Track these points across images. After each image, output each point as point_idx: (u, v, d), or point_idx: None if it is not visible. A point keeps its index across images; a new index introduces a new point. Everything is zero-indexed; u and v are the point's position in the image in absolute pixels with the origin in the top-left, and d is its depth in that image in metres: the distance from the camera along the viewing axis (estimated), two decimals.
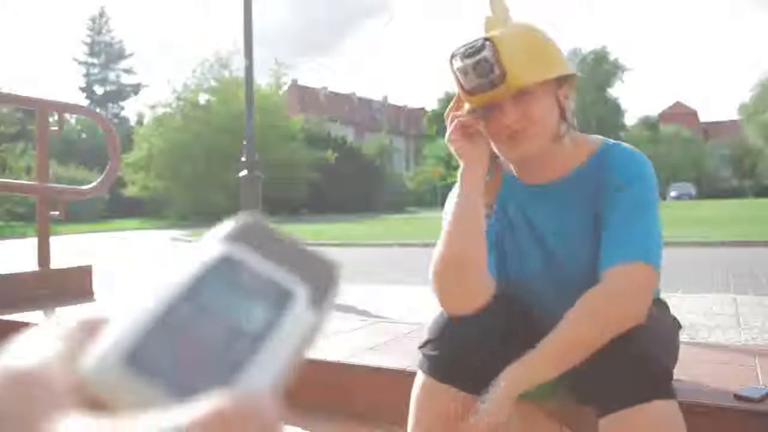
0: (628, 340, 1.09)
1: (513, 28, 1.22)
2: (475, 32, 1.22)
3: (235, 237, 0.23)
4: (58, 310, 3.04)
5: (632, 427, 1.08)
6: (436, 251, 1.24)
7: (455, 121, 1.25)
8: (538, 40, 1.22)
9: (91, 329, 0.21)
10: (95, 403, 0.18)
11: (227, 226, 0.23)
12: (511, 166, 1.34)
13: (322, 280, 0.23)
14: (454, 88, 1.25)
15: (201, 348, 0.19)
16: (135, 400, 0.18)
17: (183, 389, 0.18)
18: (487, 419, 1.11)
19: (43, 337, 0.21)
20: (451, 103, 1.29)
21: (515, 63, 1.15)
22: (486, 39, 1.15)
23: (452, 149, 1.26)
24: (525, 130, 1.20)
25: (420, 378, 1.28)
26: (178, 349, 0.19)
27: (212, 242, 0.23)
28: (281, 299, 0.22)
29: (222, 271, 0.22)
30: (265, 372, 0.20)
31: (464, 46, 1.17)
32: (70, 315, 0.22)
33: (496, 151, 1.27)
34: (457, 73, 1.19)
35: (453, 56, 1.19)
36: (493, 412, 1.11)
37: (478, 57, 1.15)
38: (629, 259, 1.14)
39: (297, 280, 0.22)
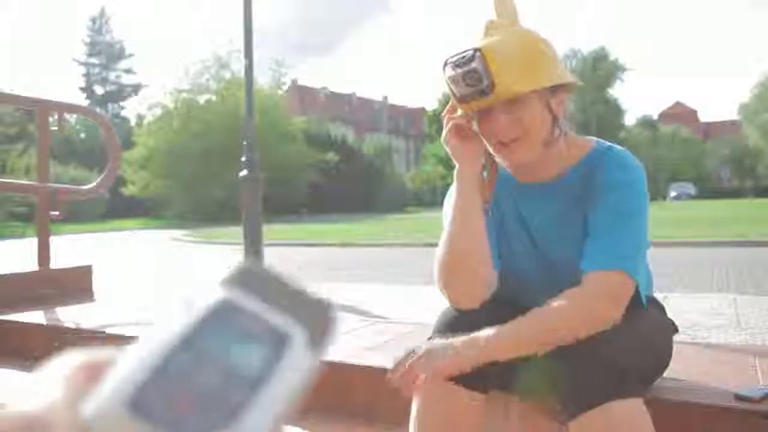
0: (592, 343, 1.12)
1: (508, 35, 1.24)
2: (473, 37, 1.24)
3: (234, 282, 0.23)
4: (58, 310, 3.04)
5: (594, 428, 1.10)
6: (439, 249, 1.27)
7: (450, 122, 1.29)
8: (531, 49, 1.24)
9: (93, 373, 0.21)
10: None
11: (228, 271, 0.24)
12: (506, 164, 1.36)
13: (319, 323, 0.24)
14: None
15: (201, 393, 0.20)
16: None
17: None
18: (435, 365, 1.18)
19: (47, 382, 0.21)
20: (448, 105, 1.32)
21: (504, 73, 1.18)
22: (476, 50, 1.18)
23: (448, 150, 1.30)
24: (515, 141, 1.23)
25: (423, 376, 1.28)
26: (178, 395, 0.20)
27: (213, 287, 0.23)
28: (279, 343, 0.22)
29: (221, 315, 0.22)
30: (264, 416, 0.20)
31: (456, 55, 1.21)
32: (73, 357, 0.22)
33: (491, 151, 1.30)
34: (449, 81, 1.22)
35: (445, 64, 1.22)
36: (441, 365, 1.18)
37: (467, 68, 1.18)
38: (607, 267, 1.18)
39: (294, 324, 0.23)
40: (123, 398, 0.19)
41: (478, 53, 1.18)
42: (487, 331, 1.17)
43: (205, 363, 0.21)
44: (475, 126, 1.28)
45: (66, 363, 0.22)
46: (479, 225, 1.26)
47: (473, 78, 1.18)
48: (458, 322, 1.27)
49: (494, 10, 1.28)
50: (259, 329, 0.22)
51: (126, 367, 0.20)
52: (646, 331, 1.27)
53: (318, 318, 0.24)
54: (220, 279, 0.24)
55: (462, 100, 1.23)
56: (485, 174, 1.33)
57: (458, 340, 1.18)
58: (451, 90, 1.24)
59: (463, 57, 1.19)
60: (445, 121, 1.31)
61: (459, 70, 1.19)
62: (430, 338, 1.31)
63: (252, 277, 0.24)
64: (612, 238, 1.19)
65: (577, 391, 1.12)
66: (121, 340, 2.36)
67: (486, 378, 1.24)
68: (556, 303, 1.17)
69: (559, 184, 1.31)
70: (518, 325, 1.16)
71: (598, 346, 1.12)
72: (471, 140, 1.29)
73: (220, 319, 0.22)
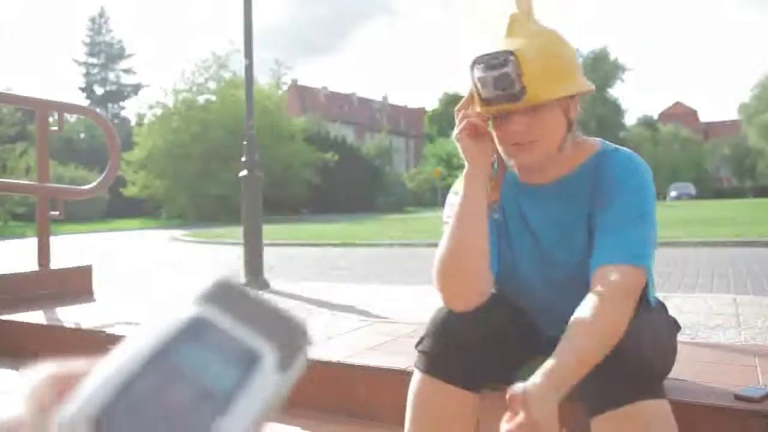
0: (618, 343, 1.10)
1: (535, 38, 1.21)
2: (499, 28, 1.21)
3: (208, 299, 0.23)
4: (58, 310, 3.04)
5: (620, 427, 1.09)
6: (439, 250, 1.26)
7: (465, 120, 1.26)
8: (561, 56, 1.22)
9: (61, 387, 0.21)
10: None
11: (201, 287, 0.24)
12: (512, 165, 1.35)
13: (291, 342, 0.23)
14: (456, 89, 1.28)
15: (170, 409, 0.20)
16: None
17: None
18: (532, 414, 0.98)
19: (14, 395, 0.21)
20: (463, 100, 1.29)
21: (536, 80, 1.15)
22: (510, 53, 1.15)
23: (459, 147, 1.28)
24: (532, 143, 1.22)
25: (416, 376, 1.28)
26: (147, 411, 0.20)
27: (185, 303, 0.23)
28: (249, 361, 0.22)
29: (193, 332, 0.22)
30: None
31: (487, 55, 1.17)
32: (39, 369, 0.22)
33: (501, 153, 1.29)
34: (477, 81, 1.19)
35: (475, 63, 1.19)
36: (537, 410, 0.99)
37: (500, 71, 1.15)
38: (630, 262, 1.15)
39: (265, 342, 0.23)
40: (88, 417, 0.19)
41: (512, 57, 1.15)
42: (552, 366, 1.05)
43: (174, 379, 0.21)
44: (489, 128, 1.26)
45: (32, 378, 0.22)
46: (483, 227, 1.25)
47: (505, 82, 1.15)
48: (446, 326, 1.26)
49: (515, 4, 1.25)
50: (230, 347, 0.22)
51: (93, 384, 0.20)
52: (661, 330, 1.26)
53: (291, 339, 0.24)
54: (194, 295, 0.24)
55: (488, 102, 1.20)
56: (492, 176, 1.32)
57: (542, 389, 1.02)
58: (476, 90, 1.21)
59: (496, 59, 1.16)
60: (458, 118, 1.28)
61: (490, 73, 1.16)
62: (417, 344, 1.30)
63: (226, 295, 0.24)
64: (630, 235, 1.18)
65: (605, 389, 1.10)
66: (121, 340, 2.36)
67: (478, 377, 1.24)
68: (598, 310, 1.10)
69: (563, 185, 1.31)
70: (578, 348, 1.07)
71: (621, 343, 1.09)
72: (483, 140, 1.27)
73: (191, 336, 0.22)
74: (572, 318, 1.12)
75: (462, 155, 1.28)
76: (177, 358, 0.21)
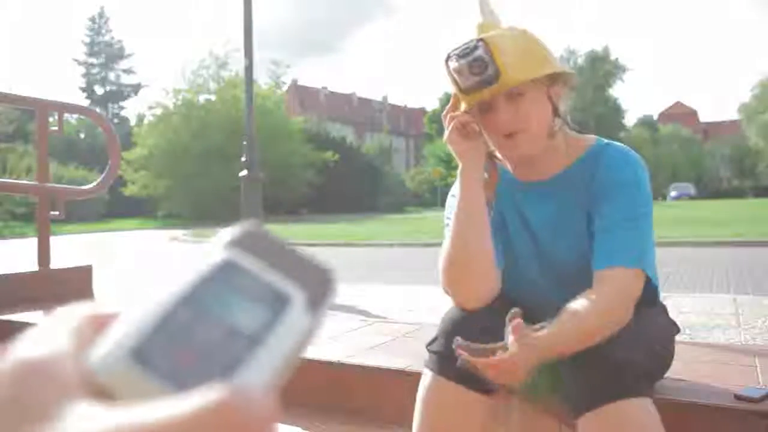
0: (603, 342, 1.12)
1: (504, 30, 1.27)
2: (469, 35, 1.26)
3: (237, 243, 0.24)
4: (58, 310, 3.04)
5: (603, 425, 1.11)
6: (444, 250, 1.28)
7: (453, 121, 1.29)
8: (528, 40, 1.26)
9: (99, 324, 0.22)
10: (102, 394, 0.20)
11: (229, 233, 0.24)
12: (507, 163, 1.36)
13: (318, 286, 0.24)
14: (452, 90, 1.29)
15: (200, 348, 0.21)
16: (138, 392, 0.20)
17: (183, 384, 0.20)
18: (511, 360, 1.09)
19: (54, 331, 0.22)
20: (448, 105, 1.32)
21: (508, 62, 1.19)
22: (479, 39, 1.20)
23: (451, 149, 1.30)
24: (522, 131, 1.23)
25: (427, 376, 1.28)
26: (179, 349, 0.21)
27: (215, 248, 0.24)
28: (278, 303, 0.23)
29: (223, 275, 0.23)
30: (261, 372, 0.21)
31: (459, 47, 1.22)
32: (80, 310, 0.23)
33: (493, 148, 1.30)
34: (453, 73, 1.23)
35: (449, 57, 1.23)
36: (517, 360, 1.09)
37: (472, 56, 1.19)
38: (628, 264, 1.17)
39: (294, 285, 0.23)
40: (126, 349, 0.20)
41: (481, 42, 1.19)
42: (554, 326, 1.13)
43: (205, 320, 0.21)
44: (477, 125, 1.28)
45: (72, 314, 0.23)
46: (484, 225, 1.26)
47: (479, 66, 1.19)
48: (464, 322, 1.27)
49: (480, 13, 1.31)
50: (259, 289, 0.23)
51: (130, 321, 0.21)
52: (653, 331, 1.27)
53: (317, 281, 0.24)
54: (222, 240, 0.24)
55: (466, 91, 1.23)
56: (486, 175, 1.33)
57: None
58: (455, 82, 1.24)
59: (467, 47, 1.20)
60: (446, 121, 1.30)
61: (463, 60, 1.20)
62: (434, 339, 1.31)
63: (253, 240, 0.24)
64: (624, 237, 1.20)
65: (588, 389, 1.12)
66: None
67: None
68: (590, 304, 1.14)
69: (559, 181, 1.31)
70: (560, 329, 1.13)
71: (609, 344, 1.12)
72: (474, 138, 1.29)
73: (221, 279, 0.23)
74: (569, 306, 1.15)
75: (455, 156, 1.30)
76: (208, 300, 0.22)
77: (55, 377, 0.20)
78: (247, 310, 0.22)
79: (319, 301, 0.24)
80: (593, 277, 1.19)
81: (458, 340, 1.15)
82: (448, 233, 1.28)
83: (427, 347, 1.31)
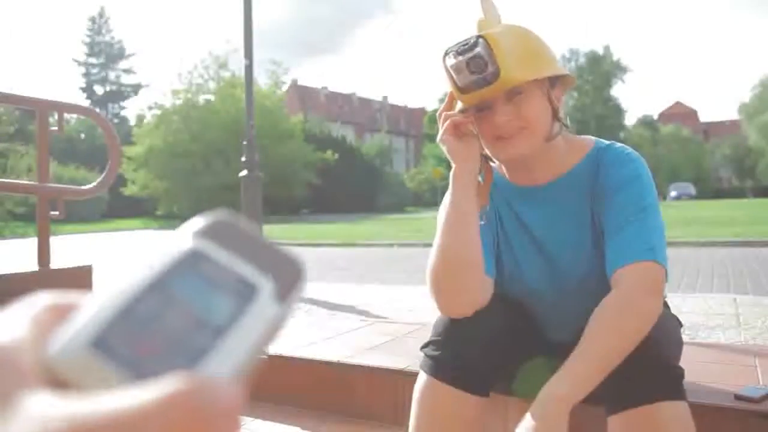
0: (641, 341, 1.09)
1: (505, 28, 1.22)
2: (469, 32, 1.21)
3: (205, 233, 0.24)
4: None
5: (639, 426, 1.08)
6: (432, 255, 1.23)
7: (447, 120, 1.24)
8: (529, 39, 1.22)
9: (60, 313, 0.22)
10: (61, 383, 0.19)
11: (197, 222, 0.24)
12: (502, 168, 1.33)
13: (287, 276, 0.24)
14: (448, 87, 1.23)
15: (164, 337, 0.20)
16: (98, 381, 0.19)
17: (145, 374, 0.19)
18: None
19: (12, 319, 0.21)
20: (444, 103, 1.28)
21: (508, 60, 1.14)
22: (479, 36, 1.15)
23: (444, 149, 1.25)
24: (517, 132, 1.19)
25: (422, 379, 1.27)
26: (142, 337, 0.20)
27: (183, 237, 0.23)
28: (246, 293, 0.22)
29: (190, 264, 0.22)
30: (226, 362, 0.20)
31: (458, 43, 1.16)
32: (41, 298, 0.22)
33: (487, 151, 1.26)
34: (451, 70, 1.17)
35: (446, 54, 1.18)
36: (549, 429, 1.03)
37: (471, 54, 1.14)
38: (640, 258, 1.13)
39: (262, 276, 0.23)
40: (87, 337, 0.20)
41: (481, 39, 1.14)
42: (564, 381, 1.06)
43: (170, 309, 0.21)
44: (472, 126, 1.24)
45: (32, 303, 0.22)
46: (473, 230, 1.21)
47: (478, 64, 1.14)
48: (453, 330, 1.24)
49: (481, 11, 1.26)
50: (227, 279, 0.22)
51: (92, 309, 0.20)
52: (671, 329, 1.24)
53: (286, 272, 0.24)
54: (190, 229, 0.24)
55: (464, 90, 1.17)
56: (480, 178, 1.29)
57: (548, 403, 1.05)
58: (452, 80, 1.19)
59: (466, 44, 1.15)
60: (441, 120, 1.26)
61: (462, 58, 1.14)
62: (424, 347, 1.29)
63: (222, 229, 0.24)
64: (639, 231, 1.16)
65: (624, 387, 1.08)
66: None
67: (485, 380, 1.22)
68: (602, 324, 1.09)
69: (560, 186, 1.28)
70: (595, 350, 1.07)
71: (646, 342, 1.08)
72: (468, 139, 1.24)
73: (187, 268, 0.22)
74: (591, 318, 1.10)
75: (448, 156, 1.25)
76: (173, 289, 0.21)
77: (12, 366, 0.19)
78: (213, 300, 0.22)
79: (287, 291, 0.23)
80: (610, 280, 1.14)
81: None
82: (435, 240, 1.23)
83: (421, 349, 1.30)
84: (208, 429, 0.17)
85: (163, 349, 0.20)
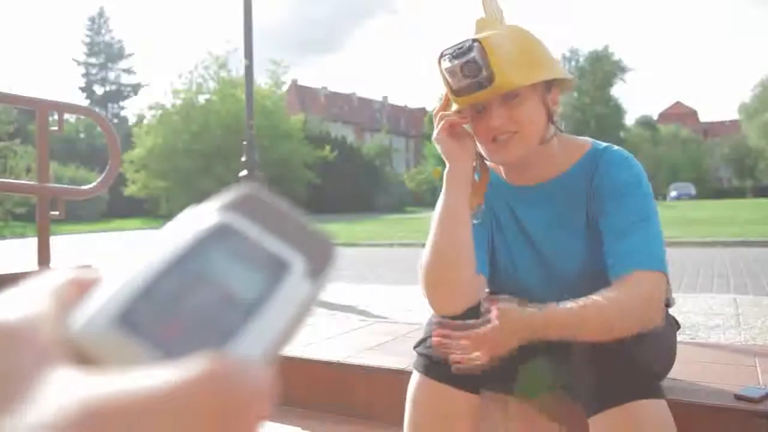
0: (618, 341, 1.10)
1: (503, 30, 1.21)
2: (467, 33, 1.21)
3: (234, 206, 0.22)
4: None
5: (618, 425, 1.09)
6: (423, 254, 1.24)
7: (443, 120, 1.25)
8: (527, 43, 1.22)
9: (82, 287, 0.21)
10: (84, 359, 0.18)
11: (226, 195, 0.23)
12: (499, 167, 1.34)
13: (318, 253, 0.23)
14: (444, 89, 1.24)
15: (192, 313, 0.19)
16: (123, 359, 0.18)
17: (171, 352, 0.18)
18: (489, 335, 1.09)
19: (33, 293, 0.20)
20: (440, 103, 1.29)
21: (504, 65, 1.14)
22: (474, 40, 1.15)
23: (439, 149, 1.26)
24: (510, 137, 1.20)
25: (415, 377, 1.28)
26: (168, 314, 0.19)
27: (210, 211, 0.22)
28: (277, 270, 0.21)
29: (218, 239, 0.21)
30: (257, 341, 0.19)
31: (453, 47, 1.17)
32: (62, 272, 0.21)
33: (482, 152, 1.27)
34: (446, 73, 1.18)
35: (442, 56, 1.18)
36: (495, 335, 1.09)
37: (466, 58, 1.14)
38: (645, 267, 1.14)
39: (294, 252, 0.22)
40: (111, 314, 0.19)
41: (476, 43, 1.14)
42: (552, 306, 1.12)
43: (198, 285, 0.20)
44: (467, 126, 1.25)
45: (54, 277, 0.21)
46: (465, 229, 1.22)
47: (472, 69, 1.14)
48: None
49: (483, 10, 1.26)
50: (257, 255, 0.21)
51: (116, 284, 0.19)
52: (663, 330, 1.25)
53: (318, 249, 0.23)
54: (219, 203, 0.23)
55: (458, 93, 1.18)
56: (476, 177, 1.29)
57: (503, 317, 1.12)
58: (447, 83, 1.20)
59: (461, 48, 1.15)
60: (436, 120, 1.27)
61: (457, 62, 1.15)
62: (416, 346, 1.29)
63: (252, 204, 0.23)
64: (645, 239, 1.17)
65: (604, 387, 1.10)
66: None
67: (477, 379, 1.23)
68: (612, 297, 1.11)
69: (556, 186, 1.29)
70: (580, 309, 1.10)
71: (627, 344, 1.09)
72: (463, 139, 1.25)
73: (216, 243, 0.21)
74: (595, 294, 1.11)
75: (443, 156, 1.26)
76: (201, 264, 0.20)
77: (34, 341, 0.18)
78: (243, 277, 0.20)
79: (319, 269, 0.22)
80: (613, 282, 1.15)
81: (433, 323, 1.15)
82: (428, 239, 1.24)
83: (414, 348, 1.30)
84: (238, 413, 0.17)
85: (191, 326, 0.19)
